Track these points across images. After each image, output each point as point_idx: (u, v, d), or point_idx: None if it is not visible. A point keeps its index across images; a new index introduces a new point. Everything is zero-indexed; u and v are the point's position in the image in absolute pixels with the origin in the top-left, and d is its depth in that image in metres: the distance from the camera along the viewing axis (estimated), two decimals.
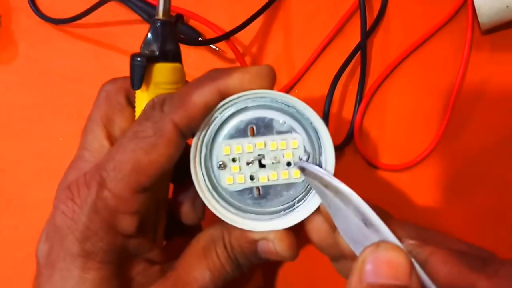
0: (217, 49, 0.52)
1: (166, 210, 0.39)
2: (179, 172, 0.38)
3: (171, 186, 0.41)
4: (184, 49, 0.37)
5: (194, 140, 0.34)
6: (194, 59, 0.53)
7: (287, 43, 0.53)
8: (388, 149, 0.52)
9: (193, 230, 0.40)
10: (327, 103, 0.50)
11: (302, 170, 0.35)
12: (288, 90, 0.51)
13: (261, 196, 0.36)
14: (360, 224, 0.30)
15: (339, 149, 0.51)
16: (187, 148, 0.34)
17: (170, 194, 0.40)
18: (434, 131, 0.51)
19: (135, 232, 0.33)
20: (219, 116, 0.34)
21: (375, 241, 0.29)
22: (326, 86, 0.51)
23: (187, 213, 0.40)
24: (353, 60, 0.51)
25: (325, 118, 0.48)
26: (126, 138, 0.33)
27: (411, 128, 0.51)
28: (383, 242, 0.29)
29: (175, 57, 0.36)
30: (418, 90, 0.51)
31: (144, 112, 0.34)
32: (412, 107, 0.51)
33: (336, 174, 0.34)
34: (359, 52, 0.51)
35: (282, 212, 0.36)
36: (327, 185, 0.33)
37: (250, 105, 0.34)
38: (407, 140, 0.51)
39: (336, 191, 0.32)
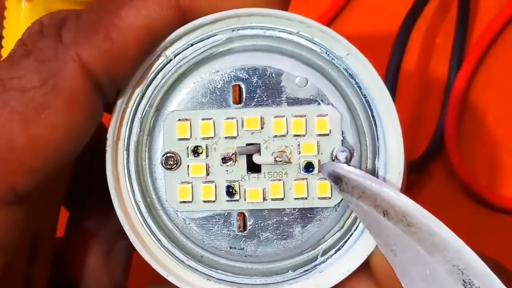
0: None
1: (50, 261, 0.30)
2: (81, 179, 0.31)
3: (63, 212, 0.32)
4: None
5: (117, 107, 0.26)
6: None
7: None
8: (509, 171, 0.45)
9: None
10: (390, 70, 0.41)
11: (336, 180, 0.26)
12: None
13: (248, 233, 0.27)
14: None
15: (417, 167, 0.44)
16: (102, 132, 0.27)
17: (59, 230, 0.31)
18: None
19: None
20: (172, 61, 0.26)
21: None
22: (390, 37, 0.42)
23: (94, 271, 0.31)
24: None
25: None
26: None
27: None
28: None
29: None
30: None
31: (23, 42, 0.26)
32: None
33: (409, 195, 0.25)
34: None
35: (291, 273, 0.27)
36: (388, 211, 0.25)
37: (236, 43, 0.26)
38: None
39: (410, 225, 0.24)
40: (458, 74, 0.45)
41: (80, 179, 0.30)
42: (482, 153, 0.46)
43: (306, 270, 0.26)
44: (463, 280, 0.23)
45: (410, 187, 0.32)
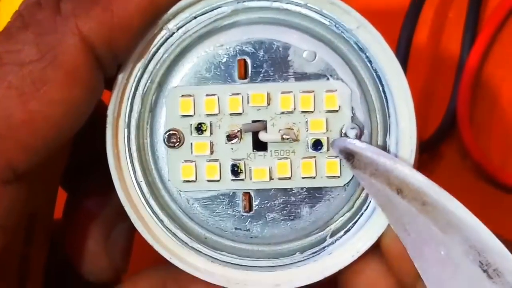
0: None
1: (47, 243, 0.30)
2: (80, 158, 0.30)
3: (61, 194, 0.31)
4: None
5: (118, 83, 0.26)
6: None
7: None
8: None
9: None
10: (401, 45, 0.39)
11: (348, 157, 0.26)
12: None
13: (253, 213, 0.27)
14: (475, 270, 0.23)
15: (428, 148, 0.42)
16: (101, 109, 0.27)
17: (57, 212, 0.31)
18: None
19: None
20: (175, 34, 0.26)
21: None
22: (401, 11, 0.41)
23: (93, 255, 0.30)
24: None
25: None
26: None
27: None
28: None
29: None
30: None
31: (20, 13, 0.25)
32: None
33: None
34: None
35: (298, 255, 0.27)
36: (402, 189, 0.24)
37: (241, 16, 0.26)
38: None
39: (424, 203, 0.24)
40: (471, 50, 0.43)
41: (79, 158, 0.30)
42: (496, 133, 0.44)
43: (314, 252, 0.26)
44: (480, 262, 0.23)
45: (420, 168, 0.31)
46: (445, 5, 0.45)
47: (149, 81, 0.26)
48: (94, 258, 0.30)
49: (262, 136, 0.25)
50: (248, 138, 0.25)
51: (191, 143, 0.26)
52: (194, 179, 0.26)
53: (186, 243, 0.26)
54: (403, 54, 0.41)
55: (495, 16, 0.44)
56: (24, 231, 0.28)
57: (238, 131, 0.26)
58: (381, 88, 0.26)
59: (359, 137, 0.26)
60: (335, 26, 0.25)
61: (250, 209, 0.26)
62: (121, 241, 0.31)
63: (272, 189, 0.26)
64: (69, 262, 0.31)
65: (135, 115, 0.26)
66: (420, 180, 0.24)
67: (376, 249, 0.26)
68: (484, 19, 0.45)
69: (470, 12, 0.43)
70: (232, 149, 0.26)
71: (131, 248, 0.31)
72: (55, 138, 0.25)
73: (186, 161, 0.26)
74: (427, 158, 0.42)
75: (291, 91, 0.25)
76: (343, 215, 0.26)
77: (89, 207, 0.31)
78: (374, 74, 0.25)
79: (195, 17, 0.25)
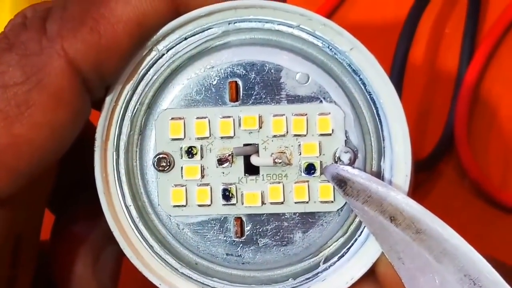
0: None
1: (34, 265, 0.30)
2: (67, 181, 0.30)
3: (48, 215, 0.31)
4: None
5: (106, 105, 0.26)
6: None
7: None
8: None
9: None
10: (396, 62, 0.39)
11: (341, 184, 0.26)
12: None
13: (245, 239, 0.26)
14: None
15: (426, 166, 0.42)
16: (89, 130, 0.27)
17: (44, 234, 0.31)
18: None
19: None
20: (165, 55, 0.26)
21: None
22: (397, 27, 0.41)
23: (81, 279, 0.30)
24: None
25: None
26: None
27: None
28: None
29: None
30: None
31: (5, 35, 0.25)
32: None
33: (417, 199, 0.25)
34: None
35: (291, 281, 0.26)
36: (396, 216, 0.25)
37: (232, 37, 0.26)
38: None
39: (418, 231, 0.24)
40: (468, 67, 0.44)
41: (66, 180, 0.30)
42: (494, 151, 0.45)
43: (308, 278, 0.26)
44: None
45: (418, 187, 0.31)
46: (441, 21, 0.46)
47: (138, 103, 0.26)
48: (82, 282, 0.30)
49: (254, 160, 0.25)
50: (239, 162, 0.25)
51: (182, 167, 0.25)
52: (184, 203, 0.26)
53: (176, 269, 0.26)
54: (399, 70, 0.41)
55: (493, 32, 0.45)
56: (9, 253, 0.28)
57: (229, 154, 0.25)
58: (375, 111, 0.25)
59: (353, 161, 0.25)
60: (328, 48, 0.25)
61: (242, 234, 0.26)
62: (109, 265, 0.31)
63: (264, 214, 0.26)
64: (56, 285, 0.30)
65: (124, 138, 0.26)
66: (414, 207, 0.24)
67: (371, 274, 0.26)
68: (482, 35, 0.45)
69: (467, 27, 0.44)
70: (223, 173, 0.25)
71: (120, 271, 0.31)
72: (40, 161, 0.25)
73: (176, 185, 0.26)
74: (425, 177, 0.42)
75: (284, 114, 0.25)
76: (337, 240, 0.26)
77: (77, 231, 0.30)
78: (368, 96, 0.25)
79: (185, 38, 0.25)
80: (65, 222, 0.31)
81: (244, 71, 0.26)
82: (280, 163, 0.25)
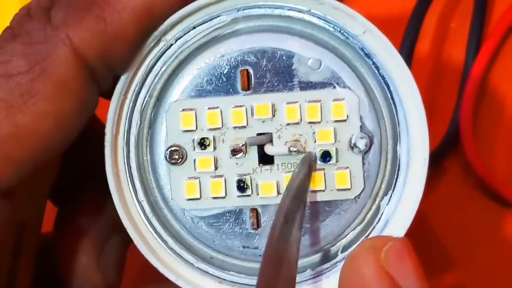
0: None
1: (35, 257, 0.29)
2: (70, 172, 0.30)
3: (51, 207, 0.31)
4: None
5: (115, 99, 0.25)
6: None
7: None
8: None
9: None
10: (402, 55, 0.34)
11: None
12: None
13: (262, 230, 0.26)
14: None
15: (431, 162, 0.37)
16: (99, 124, 0.27)
17: (47, 226, 0.31)
18: None
19: None
20: (173, 46, 0.25)
21: None
22: (402, 21, 0.41)
23: (85, 270, 0.30)
24: None
25: None
26: None
27: None
28: None
29: None
30: None
31: (10, 26, 0.25)
32: None
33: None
34: None
35: (309, 272, 0.26)
36: None
37: (242, 24, 0.25)
38: None
39: None
40: (475, 61, 0.43)
41: (69, 171, 0.30)
42: (500, 147, 0.44)
43: (326, 269, 0.26)
44: None
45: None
46: (448, 16, 0.45)
47: (147, 96, 0.26)
48: (86, 274, 0.30)
49: (268, 149, 0.25)
50: (253, 152, 0.25)
51: (194, 159, 0.25)
52: (198, 196, 0.26)
53: (191, 263, 0.26)
54: None
55: (499, 26, 0.44)
56: (12, 244, 0.28)
57: (242, 145, 0.25)
58: (389, 95, 0.25)
59: (369, 147, 0.25)
60: (340, 32, 0.25)
61: (258, 225, 0.26)
62: (114, 256, 0.31)
63: None
64: (59, 277, 0.30)
65: (134, 132, 0.26)
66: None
67: None
68: (488, 29, 0.45)
69: (474, 22, 0.44)
70: (237, 164, 0.25)
71: (124, 262, 0.31)
72: (43, 152, 0.24)
73: (189, 178, 0.26)
74: (430, 172, 0.40)
75: (297, 101, 0.25)
76: (354, 228, 0.26)
77: (81, 223, 0.30)
78: (382, 80, 0.25)
79: (194, 27, 0.25)
80: (68, 214, 0.31)
81: (255, 59, 0.25)
82: (295, 151, 0.25)
